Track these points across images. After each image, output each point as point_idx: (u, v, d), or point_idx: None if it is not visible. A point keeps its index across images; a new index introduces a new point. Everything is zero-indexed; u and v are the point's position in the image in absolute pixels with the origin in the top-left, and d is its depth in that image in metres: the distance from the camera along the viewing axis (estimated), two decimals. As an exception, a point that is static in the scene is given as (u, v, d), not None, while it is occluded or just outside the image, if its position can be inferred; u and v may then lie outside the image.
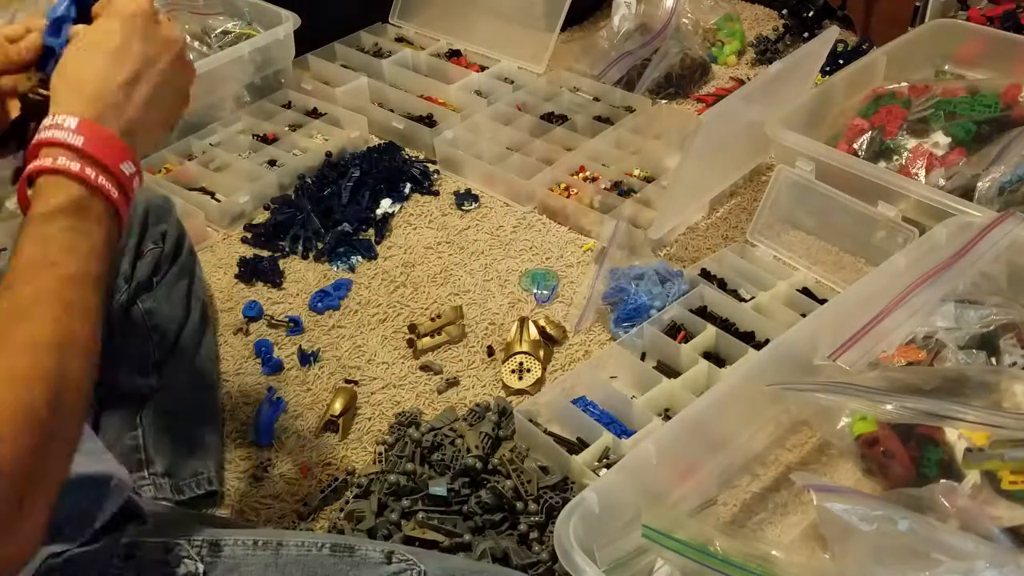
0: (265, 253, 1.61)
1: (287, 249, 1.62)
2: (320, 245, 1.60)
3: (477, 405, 1.26)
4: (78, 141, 0.66)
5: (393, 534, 1.07)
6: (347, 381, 1.34)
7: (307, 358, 1.38)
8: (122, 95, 0.70)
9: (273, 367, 1.37)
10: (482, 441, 1.16)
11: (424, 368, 1.36)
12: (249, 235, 1.65)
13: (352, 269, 1.56)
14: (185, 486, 1.14)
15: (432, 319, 1.41)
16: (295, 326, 1.43)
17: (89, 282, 0.65)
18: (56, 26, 0.79)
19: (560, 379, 1.30)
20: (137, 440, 1.13)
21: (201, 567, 0.80)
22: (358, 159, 1.77)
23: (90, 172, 0.66)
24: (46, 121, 0.67)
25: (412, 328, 1.41)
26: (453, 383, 1.33)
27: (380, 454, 1.21)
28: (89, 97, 0.69)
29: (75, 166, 0.66)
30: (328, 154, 1.77)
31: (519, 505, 1.10)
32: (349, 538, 0.90)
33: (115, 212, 0.68)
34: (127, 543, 0.81)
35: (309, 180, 1.73)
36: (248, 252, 1.61)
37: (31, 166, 0.66)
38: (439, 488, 1.09)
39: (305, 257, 1.60)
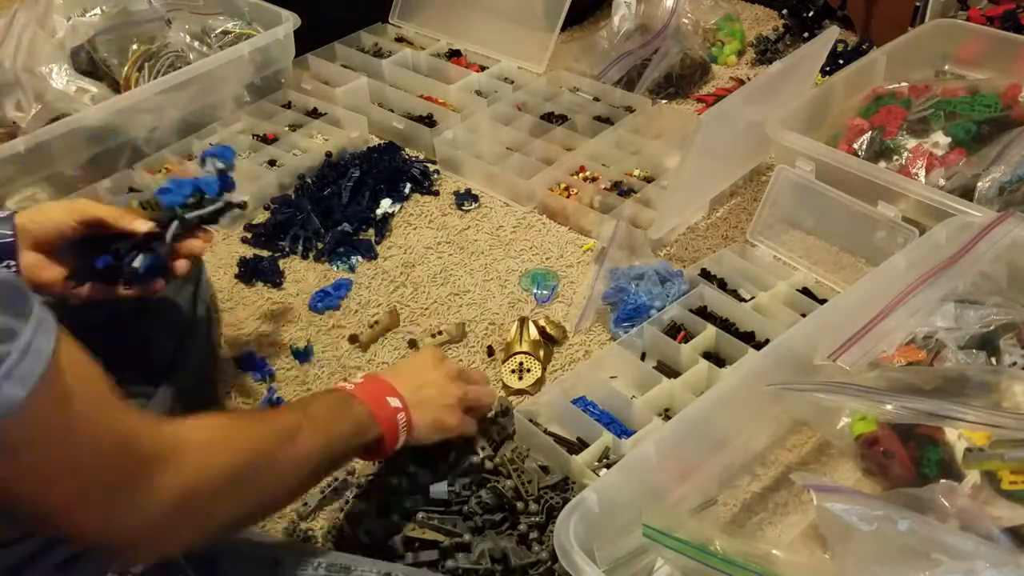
0: (265, 253, 1.61)
1: (287, 249, 1.62)
2: (320, 245, 1.60)
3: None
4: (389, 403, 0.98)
5: (392, 535, 1.07)
6: (411, 343, 1.41)
7: (303, 355, 1.39)
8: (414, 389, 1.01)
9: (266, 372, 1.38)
10: (488, 442, 1.16)
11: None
12: (249, 235, 1.65)
13: (352, 269, 1.56)
14: None
15: (433, 335, 1.40)
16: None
17: (327, 457, 0.88)
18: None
19: (560, 379, 1.30)
20: None
21: None
22: (358, 159, 1.77)
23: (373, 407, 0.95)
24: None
25: (412, 344, 1.40)
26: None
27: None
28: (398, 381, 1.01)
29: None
30: (328, 154, 1.78)
31: (519, 505, 1.09)
32: (346, 557, 0.90)
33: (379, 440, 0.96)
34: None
35: (309, 180, 1.73)
36: (248, 252, 1.61)
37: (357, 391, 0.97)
38: (440, 491, 1.09)
39: (305, 257, 1.60)
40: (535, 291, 1.48)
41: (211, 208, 1.09)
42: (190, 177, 1.10)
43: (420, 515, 1.08)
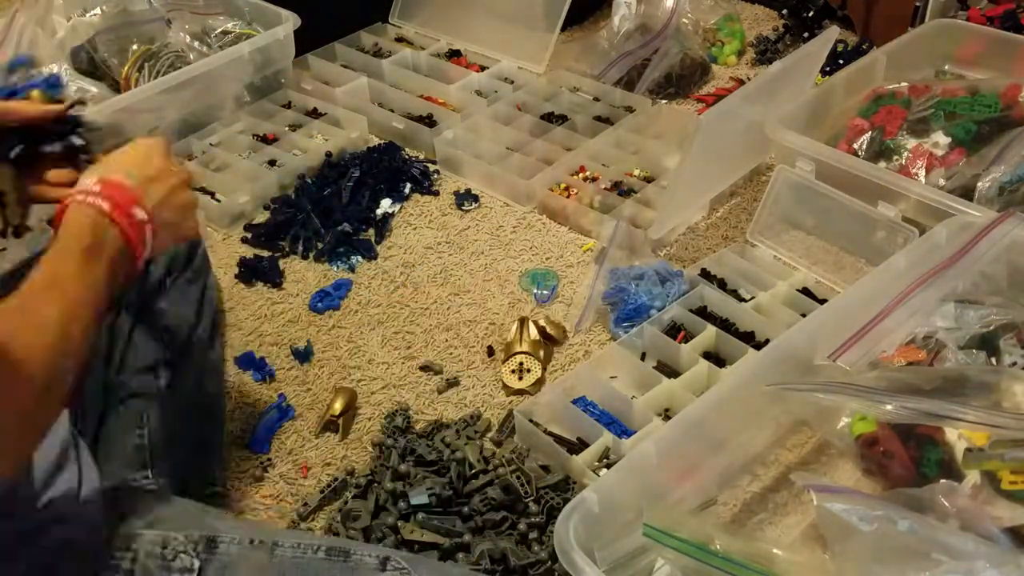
0: (265, 253, 1.61)
1: (287, 249, 1.62)
2: (320, 245, 1.60)
3: (471, 415, 1.27)
4: (96, 188, 0.83)
5: (387, 536, 1.07)
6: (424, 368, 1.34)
7: (303, 355, 1.39)
8: (143, 183, 0.87)
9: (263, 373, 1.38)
10: (481, 452, 1.17)
11: (424, 368, 1.36)
12: (249, 235, 1.65)
13: (352, 269, 1.56)
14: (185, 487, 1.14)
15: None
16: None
17: (88, 307, 0.78)
18: None
19: (560, 379, 1.30)
20: (143, 439, 1.13)
21: (196, 563, 0.81)
22: (358, 159, 1.77)
23: (106, 206, 0.82)
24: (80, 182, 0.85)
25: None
26: (453, 383, 1.33)
27: (376, 456, 1.21)
28: (116, 170, 0.87)
29: (94, 200, 0.82)
30: (328, 154, 1.77)
31: (519, 505, 1.10)
32: (345, 541, 0.90)
33: (127, 247, 0.83)
34: (125, 534, 0.81)
35: (309, 180, 1.73)
36: (248, 252, 1.61)
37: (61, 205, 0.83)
38: (420, 498, 1.09)
39: (305, 257, 1.60)
40: (535, 291, 1.48)
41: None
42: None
43: (420, 515, 1.08)
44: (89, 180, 0.84)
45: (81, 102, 1.03)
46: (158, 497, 1.11)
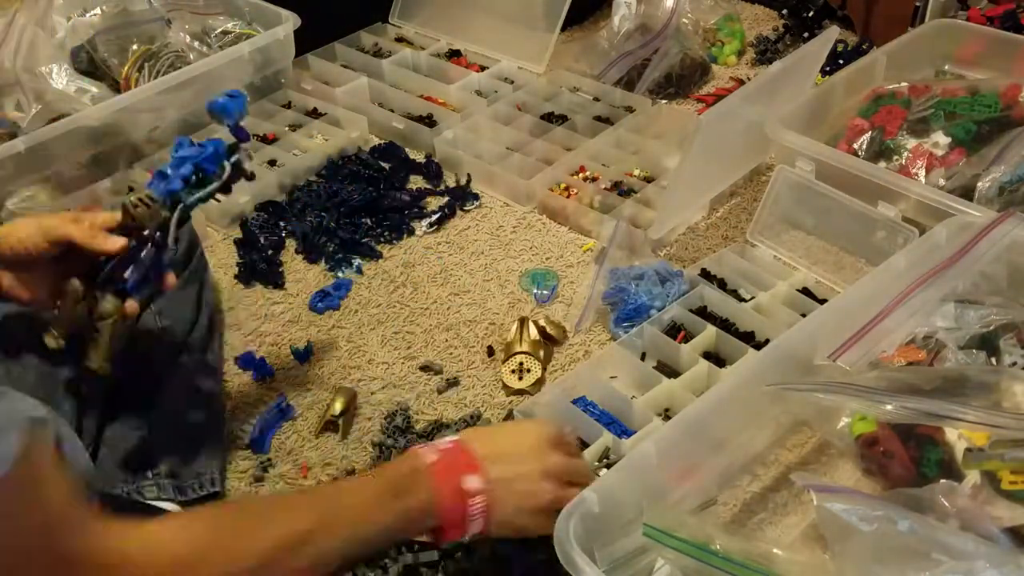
0: (265, 253, 1.61)
1: (290, 239, 1.62)
2: (322, 246, 1.60)
3: (471, 415, 1.27)
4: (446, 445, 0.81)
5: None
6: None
7: (303, 355, 1.39)
8: (496, 457, 0.82)
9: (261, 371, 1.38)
10: None
11: (424, 368, 1.36)
12: (249, 235, 1.65)
13: (360, 271, 1.56)
14: (188, 487, 1.14)
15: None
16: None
17: (355, 553, 0.76)
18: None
19: (560, 379, 1.30)
20: (142, 440, 1.13)
21: None
22: (359, 159, 1.77)
23: (432, 458, 0.79)
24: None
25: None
26: (453, 383, 1.33)
27: (376, 456, 1.20)
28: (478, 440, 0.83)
29: (426, 452, 0.80)
30: (331, 156, 1.78)
31: None
32: None
33: (435, 509, 0.79)
34: None
35: (310, 180, 1.73)
36: (248, 253, 1.61)
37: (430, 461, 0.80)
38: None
39: (311, 261, 1.59)
40: (535, 291, 1.48)
41: (214, 186, 0.99)
42: (192, 147, 0.99)
43: None
44: (448, 438, 0.82)
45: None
46: (160, 499, 1.12)
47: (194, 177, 0.98)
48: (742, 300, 1.39)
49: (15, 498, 0.57)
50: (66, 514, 0.61)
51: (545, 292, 1.48)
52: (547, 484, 0.85)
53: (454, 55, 2.10)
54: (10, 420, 0.58)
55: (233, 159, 1.00)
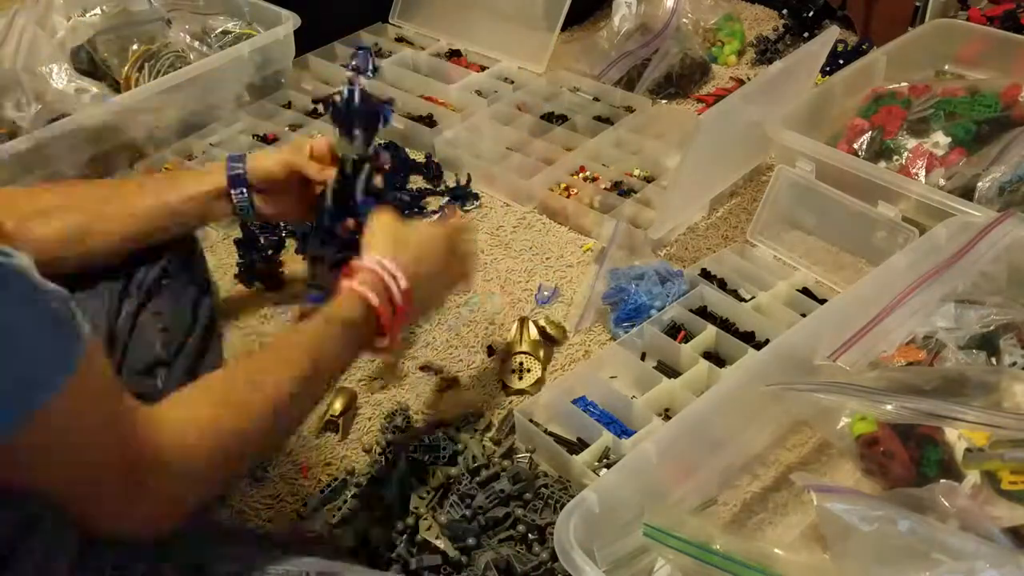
0: (265, 253, 1.60)
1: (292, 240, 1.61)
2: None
3: (471, 413, 1.27)
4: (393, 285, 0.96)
5: (396, 544, 1.07)
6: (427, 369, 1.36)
7: None
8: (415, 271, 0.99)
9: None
10: (483, 450, 1.17)
11: (424, 368, 1.36)
12: (249, 235, 1.64)
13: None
14: None
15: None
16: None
17: (326, 379, 0.91)
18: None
19: (560, 379, 1.30)
20: None
21: None
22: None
23: (375, 300, 0.94)
24: (368, 255, 0.98)
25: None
26: (452, 383, 1.33)
27: (376, 459, 1.20)
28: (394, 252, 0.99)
29: (375, 299, 0.94)
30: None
31: (527, 494, 1.10)
32: (337, 565, 0.90)
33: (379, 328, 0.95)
34: (114, 567, 0.81)
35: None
36: (248, 253, 1.60)
37: (351, 284, 0.95)
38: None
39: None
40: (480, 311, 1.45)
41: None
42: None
43: (443, 517, 1.07)
44: (374, 258, 0.96)
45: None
46: None
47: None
48: (742, 300, 1.39)
49: (87, 395, 0.66)
50: (124, 408, 0.71)
51: (546, 293, 1.48)
52: (459, 274, 1.09)
53: (454, 55, 2.10)
54: (75, 322, 0.64)
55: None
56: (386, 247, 0.98)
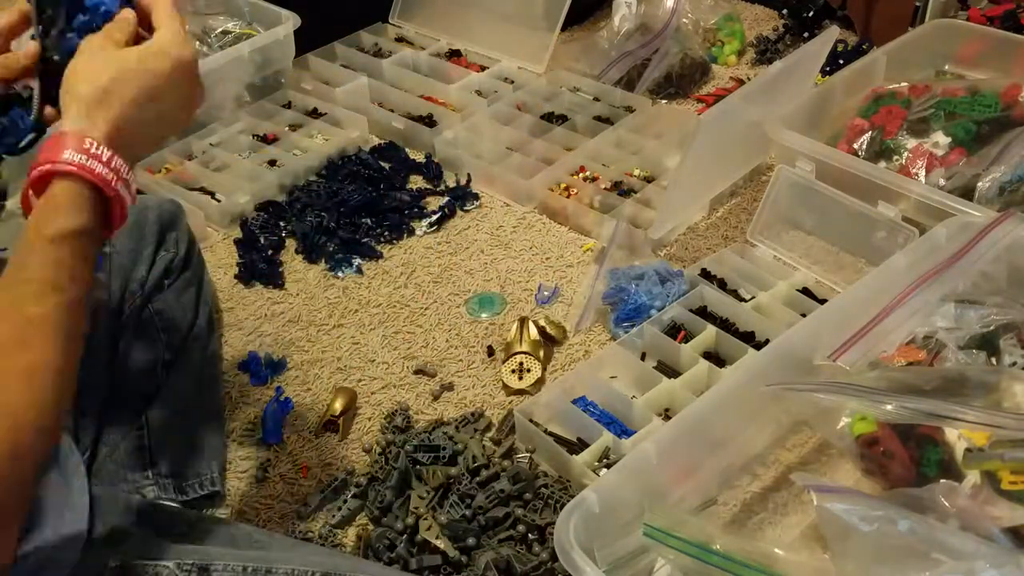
0: (265, 253, 1.60)
1: (292, 239, 1.62)
2: (322, 246, 1.60)
3: (472, 413, 1.27)
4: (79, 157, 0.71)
5: (398, 543, 1.07)
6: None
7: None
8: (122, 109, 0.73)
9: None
10: (483, 450, 1.17)
11: (418, 372, 1.35)
12: (249, 235, 1.65)
13: (360, 271, 1.56)
14: (188, 487, 1.14)
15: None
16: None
17: (84, 305, 0.68)
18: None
19: (560, 379, 1.30)
20: (142, 440, 1.13)
21: None
22: (359, 159, 1.77)
23: (95, 167, 0.70)
24: (53, 132, 0.73)
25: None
26: (448, 387, 1.32)
27: (376, 459, 1.20)
28: (89, 107, 0.72)
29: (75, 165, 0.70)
30: (331, 156, 1.78)
31: (528, 494, 1.10)
32: (342, 562, 0.90)
33: (106, 203, 0.71)
34: (115, 566, 0.81)
35: (310, 180, 1.73)
36: (248, 253, 1.61)
37: (37, 171, 0.72)
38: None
39: (311, 261, 1.59)
40: (483, 315, 1.45)
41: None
42: None
43: (443, 517, 1.08)
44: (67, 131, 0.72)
45: None
46: (160, 499, 1.12)
47: None
48: (742, 300, 1.39)
49: None
50: None
51: (546, 293, 1.48)
52: (190, 105, 0.78)
53: (454, 55, 2.10)
54: None
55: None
56: (80, 108, 0.72)
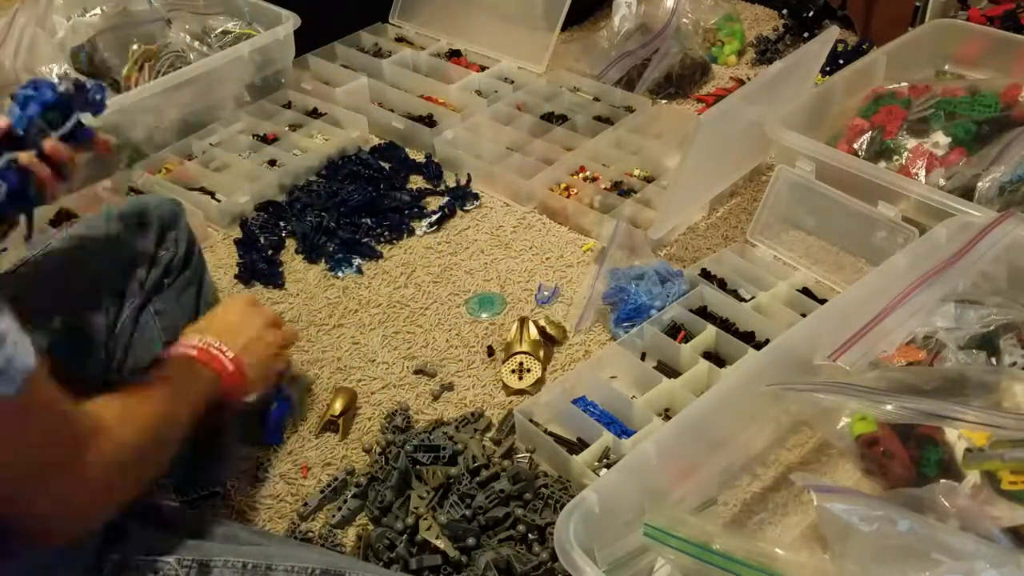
0: (265, 253, 1.60)
1: (292, 240, 1.61)
2: (322, 246, 1.60)
3: (472, 413, 1.27)
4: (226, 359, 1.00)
5: (398, 543, 1.07)
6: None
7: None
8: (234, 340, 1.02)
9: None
10: (483, 450, 1.17)
11: (418, 372, 1.35)
12: (249, 235, 1.65)
13: (360, 271, 1.56)
14: (189, 487, 1.14)
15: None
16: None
17: (188, 426, 0.92)
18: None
19: (560, 379, 1.30)
20: None
21: None
22: (360, 160, 1.77)
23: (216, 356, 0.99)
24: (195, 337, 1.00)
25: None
26: (448, 387, 1.32)
27: (376, 459, 1.20)
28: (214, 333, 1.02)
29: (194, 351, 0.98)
30: (331, 155, 1.78)
31: (527, 494, 1.10)
32: (341, 561, 0.90)
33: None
34: (116, 561, 0.81)
35: (310, 180, 1.73)
36: (247, 253, 1.61)
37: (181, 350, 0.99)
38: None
39: (311, 260, 1.59)
40: (483, 315, 1.46)
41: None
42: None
43: (443, 517, 1.07)
44: (192, 340, 0.99)
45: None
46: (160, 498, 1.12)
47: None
48: (742, 300, 1.39)
49: (31, 411, 0.70)
50: (52, 390, 0.73)
51: (545, 293, 1.48)
52: (271, 333, 1.09)
53: (454, 55, 2.10)
54: (23, 344, 0.67)
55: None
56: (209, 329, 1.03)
